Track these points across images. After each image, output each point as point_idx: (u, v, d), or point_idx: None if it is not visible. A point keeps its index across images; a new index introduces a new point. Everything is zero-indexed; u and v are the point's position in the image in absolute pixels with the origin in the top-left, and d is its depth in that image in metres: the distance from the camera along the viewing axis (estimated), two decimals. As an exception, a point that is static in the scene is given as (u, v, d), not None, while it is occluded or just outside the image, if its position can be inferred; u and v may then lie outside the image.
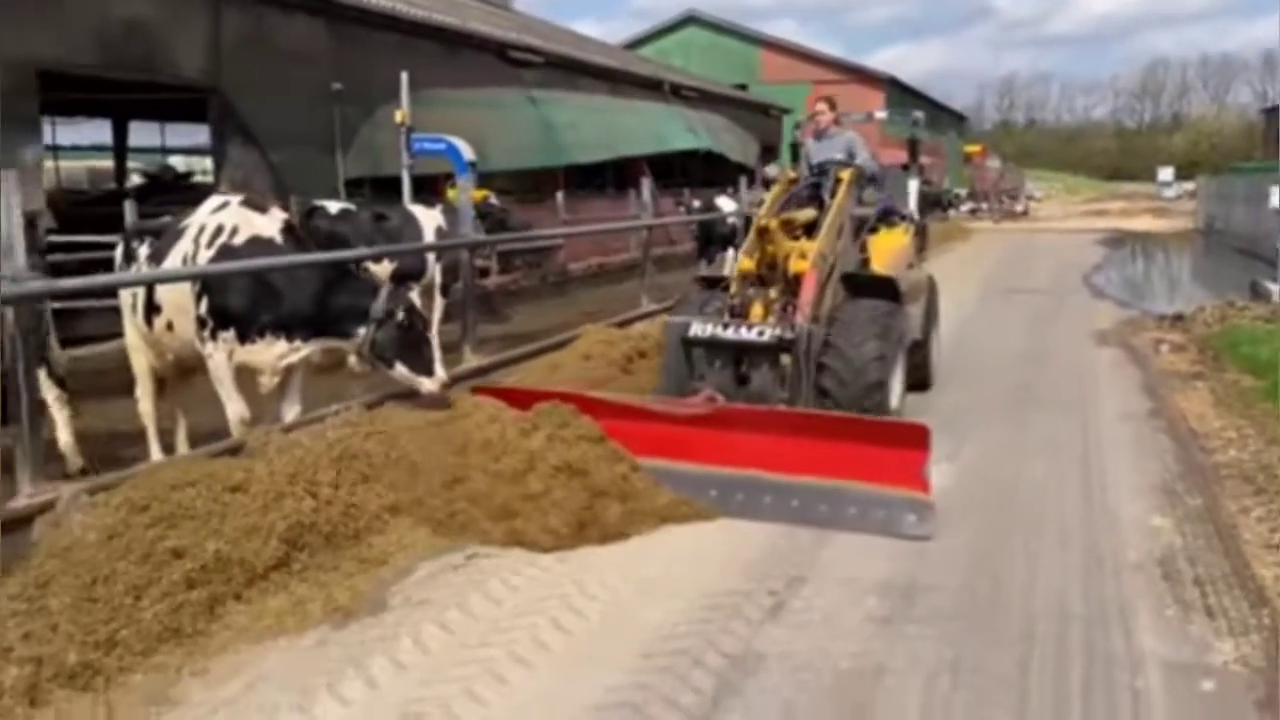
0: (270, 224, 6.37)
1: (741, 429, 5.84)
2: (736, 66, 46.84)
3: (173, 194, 15.28)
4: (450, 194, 13.80)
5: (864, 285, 7.56)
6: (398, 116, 14.19)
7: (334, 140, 14.80)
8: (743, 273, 7.19)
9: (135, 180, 19.09)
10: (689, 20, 50.03)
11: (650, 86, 26.55)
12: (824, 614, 4.54)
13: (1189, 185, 56.11)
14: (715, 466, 5.75)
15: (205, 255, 6.18)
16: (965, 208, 46.95)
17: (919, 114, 10.59)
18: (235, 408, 6.32)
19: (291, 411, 6.40)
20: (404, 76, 14.16)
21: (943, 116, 64.57)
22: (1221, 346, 10.90)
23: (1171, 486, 6.37)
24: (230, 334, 6.19)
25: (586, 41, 28.70)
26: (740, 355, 6.74)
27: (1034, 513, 5.94)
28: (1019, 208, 49.01)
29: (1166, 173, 69.83)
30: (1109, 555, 5.24)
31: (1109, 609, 4.60)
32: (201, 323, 6.20)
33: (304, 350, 6.33)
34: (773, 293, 7.02)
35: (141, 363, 6.88)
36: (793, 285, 6.95)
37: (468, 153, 14.90)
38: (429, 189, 15.10)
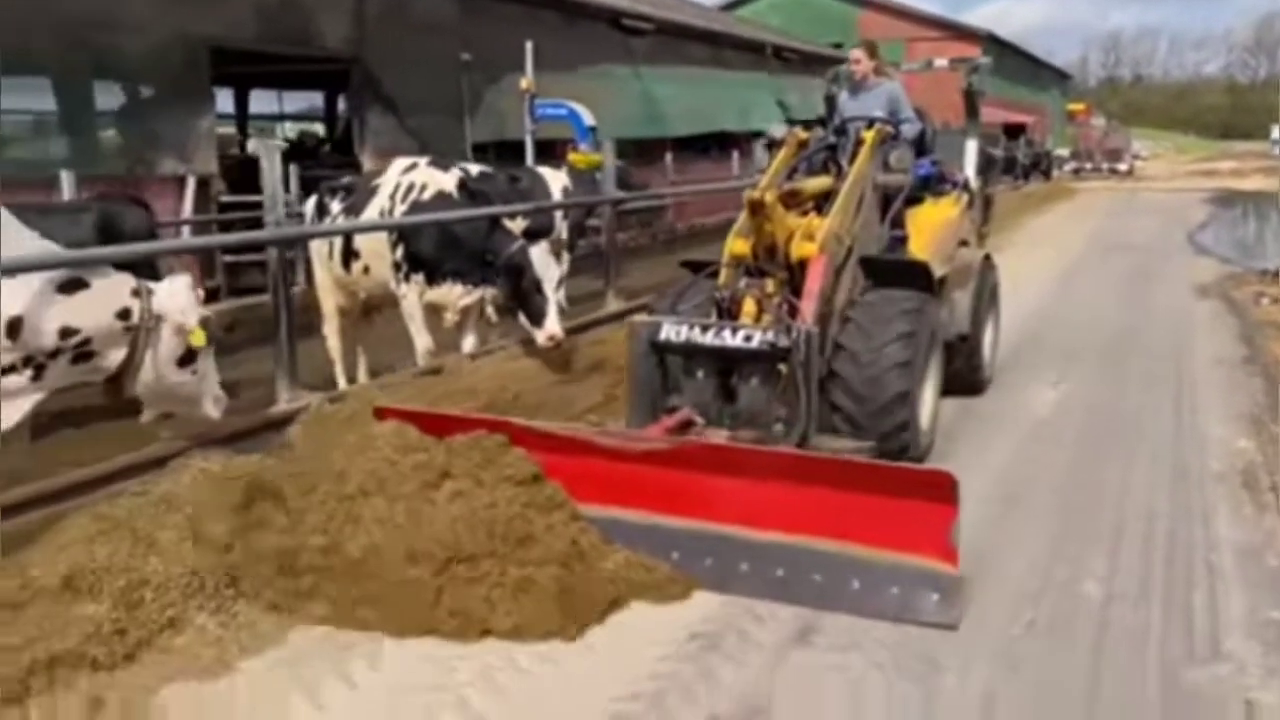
0: (451, 181, 7.41)
1: (711, 471, 4.43)
2: (833, 25, 46.82)
3: (314, 157, 16.52)
4: (572, 157, 14.79)
5: (888, 272, 6.17)
6: (523, 84, 15.20)
7: (462, 107, 15.87)
8: (734, 258, 5.82)
9: (280, 145, 20.58)
10: (786, -19, 50.14)
11: (752, 49, 27.16)
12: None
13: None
14: (678, 518, 4.41)
15: (400, 209, 7.25)
16: (1069, 167, 46.44)
17: (983, 60, 9.14)
18: (423, 341, 7.39)
19: (469, 344, 7.45)
20: (529, 45, 15.18)
21: (1045, 74, 63.58)
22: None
23: (1259, 417, 7.04)
24: (420, 277, 7.25)
25: (688, 6, 29.33)
26: (727, 364, 5.43)
27: (1129, 433, 6.71)
28: (1123, 167, 48.21)
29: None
30: (1195, 468, 6.01)
31: (1193, 509, 5.38)
32: (397, 267, 7.26)
33: (476, 294, 7.36)
34: (770, 284, 5.63)
35: (330, 303, 8.00)
36: (797, 274, 5.67)
37: (588, 118, 15.88)
38: (550, 154, 16.09)
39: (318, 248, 7.94)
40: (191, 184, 11.32)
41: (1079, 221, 23.17)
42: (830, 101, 7.88)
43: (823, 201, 6.19)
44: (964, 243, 7.58)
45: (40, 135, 10.66)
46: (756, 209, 5.61)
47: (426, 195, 7.28)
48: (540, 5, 17.57)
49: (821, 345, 5.41)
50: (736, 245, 5.86)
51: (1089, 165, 47.66)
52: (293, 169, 11.57)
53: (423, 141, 14.59)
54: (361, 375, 7.92)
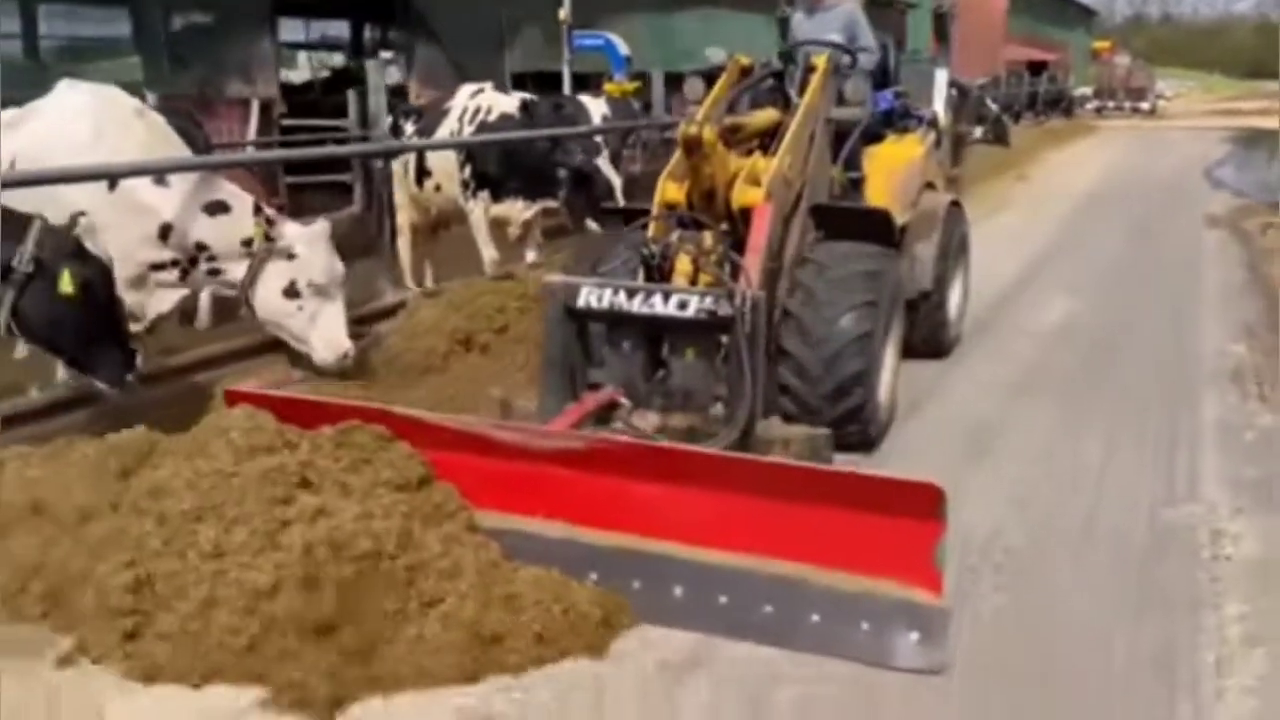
0: (514, 103, 8.13)
1: (639, 475, 3.65)
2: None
3: (356, 85, 17.14)
4: (609, 87, 15.42)
5: (843, 221, 5.45)
6: (561, 14, 15.75)
7: (501, 38, 16.44)
8: (666, 206, 5.03)
9: (324, 74, 21.16)
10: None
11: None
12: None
13: (1335, 83, 54.18)
14: (598, 532, 3.64)
15: (469, 130, 7.97)
16: (1091, 105, 46.52)
17: None
18: (489, 252, 8.16)
19: (530, 255, 8.21)
20: (566, -24, 15.68)
21: (1069, 10, 63.08)
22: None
23: (1253, 328, 7.78)
24: (486, 193, 8.00)
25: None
26: (658, 334, 4.67)
27: (1134, 340, 7.47)
28: (1146, 105, 48.25)
29: (1311, 70, 67.13)
30: (1191, 366, 6.77)
31: (1182, 396, 6.14)
32: (465, 185, 8.01)
33: (536, 207, 8.12)
34: (708, 238, 4.79)
35: (404, 218, 8.75)
36: (739, 225, 4.94)
37: (623, 48, 16.44)
38: (585, 85, 16.68)
39: (397, 168, 8.68)
40: (255, 107, 11.99)
41: (1097, 155, 23.70)
42: (784, 23, 6.94)
43: (768, 139, 5.39)
44: (930, 186, 6.83)
45: (121, 58, 11.34)
46: (692, 147, 4.68)
47: (492, 117, 8.00)
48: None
49: (769, 312, 4.67)
50: (669, 191, 5.03)
51: (1111, 104, 47.70)
52: (351, 95, 12.26)
53: (466, 72, 15.22)
54: (428, 282, 8.72)
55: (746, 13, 24.94)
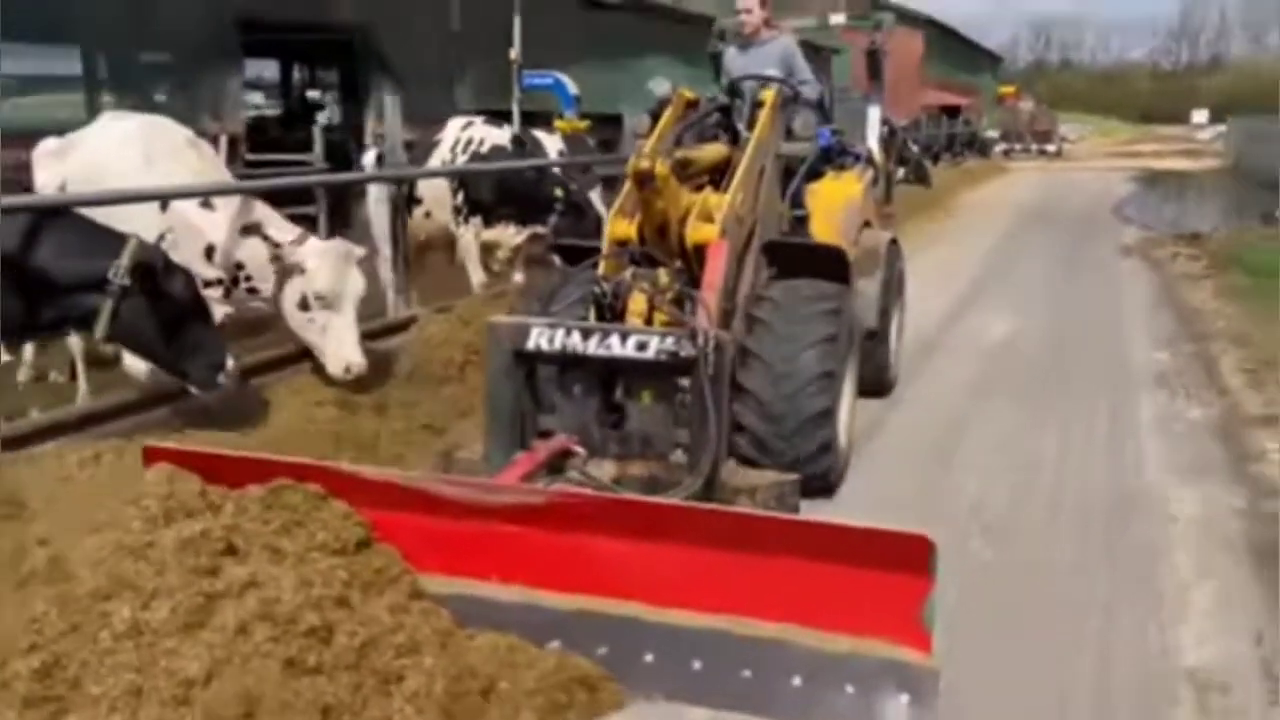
0: (504, 136, 8.74)
1: (602, 531, 3.39)
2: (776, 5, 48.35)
3: (309, 123, 17.57)
4: (560, 124, 16.09)
5: (797, 259, 5.36)
6: (511, 54, 16.42)
7: (451, 76, 17.05)
8: (617, 242, 4.92)
9: (269, 113, 21.55)
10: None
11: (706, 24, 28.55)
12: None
13: (1223, 128, 57.44)
14: (558, 594, 3.39)
15: (461, 159, 8.54)
16: (1000, 148, 48.61)
17: (886, 15, 8.39)
18: (478, 275, 8.71)
19: (519, 277, 8.79)
20: (516, 20, 16.38)
21: (979, 57, 65.94)
22: (1228, 258, 13.13)
23: (1172, 340, 8.70)
24: (478, 219, 8.56)
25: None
26: (611, 377, 4.49)
27: (1069, 353, 8.31)
28: (1052, 148, 50.56)
29: (1201, 115, 70.96)
30: (1123, 373, 7.61)
31: (1120, 398, 6.95)
32: (457, 210, 8.57)
33: (525, 233, 8.70)
34: (663, 275, 4.66)
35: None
36: (692, 262, 4.83)
37: (572, 88, 17.14)
38: (534, 123, 17.35)
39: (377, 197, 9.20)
40: (224, 142, 12.40)
41: (1015, 193, 25.10)
42: (716, 59, 6.87)
43: (717, 174, 5.32)
44: (867, 224, 6.75)
45: (94, 94, 11.68)
46: (644, 181, 4.57)
47: (485, 148, 8.59)
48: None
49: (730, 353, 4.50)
50: (618, 227, 4.92)
51: (1019, 146, 49.87)
52: (316, 130, 12.76)
53: (418, 108, 15.76)
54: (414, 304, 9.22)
55: (685, 57, 25.97)
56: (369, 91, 15.53)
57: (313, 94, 27.81)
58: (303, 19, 14.61)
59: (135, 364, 5.57)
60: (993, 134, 51.33)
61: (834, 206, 6.24)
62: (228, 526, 3.19)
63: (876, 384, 6.41)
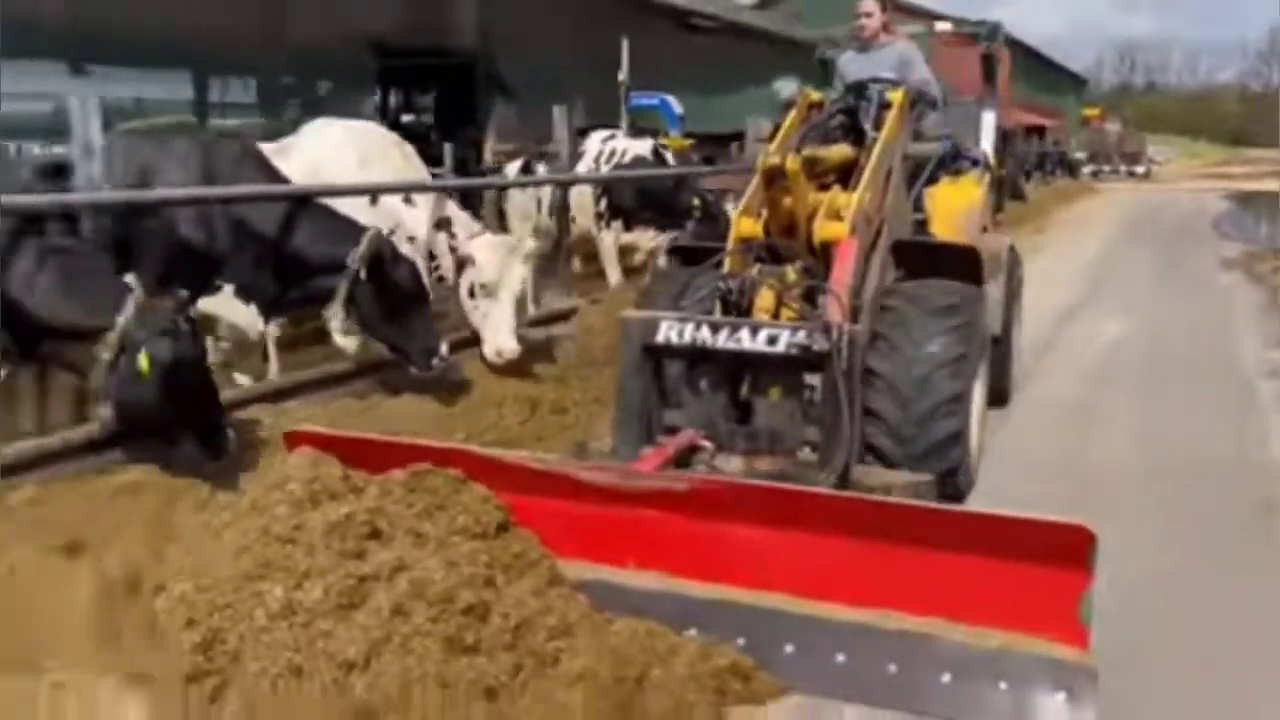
0: (645, 148, 9.48)
1: (746, 520, 3.38)
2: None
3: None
4: (665, 142, 16.89)
5: (929, 258, 5.34)
6: (620, 76, 17.26)
7: (567, 97, 17.93)
8: (743, 239, 4.94)
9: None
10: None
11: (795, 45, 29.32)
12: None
13: (1316, 149, 56.47)
14: (698, 584, 3.38)
15: (605, 169, 9.29)
16: (1088, 169, 48.46)
17: (995, 22, 8.20)
18: (616, 275, 9.44)
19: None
20: (624, 43, 17.21)
21: (1063, 79, 65.58)
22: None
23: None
24: (618, 224, 9.30)
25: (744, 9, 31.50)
26: (739, 372, 4.53)
27: (1185, 349, 8.78)
28: (1141, 169, 50.35)
29: (1294, 137, 69.56)
30: (1239, 366, 8.10)
31: (1237, 386, 7.41)
32: (599, 216, 9.31)
33: (662, 237, 9.40)
34: (791, 271, 4.73)
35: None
36: (819, 260, 4.81)
37: (677, 107, 17.93)
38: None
39: (523, 204, 9.99)
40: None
41: (1110, 210, 25.31)
42: (826, 66, 7.01)
43: (843, 175, 5.28)
44: (984, 229, 6.64)
45: (248, 116, 12.74)
46: (773, 178, 4.69)
47: (627, 159, 9.33)
48: (629, 6, 19.70)
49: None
50: (744, 225, 4.92)
51: (1107, 168, 49.72)
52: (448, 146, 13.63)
53: (535, 126, 16.68)
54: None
55: (775, 74, 26.69)
56: (487, 113, 16.45)
57: (407, 117, 29.19)
58: (429, 45, 15.59)
59: (347, 341, 6.33)
60: (1080, 155, 51.23)
61: (954, 209, 6.20)
62: (371, 509, 3.19)
63: (996, 391, 6.12)
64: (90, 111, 4.84)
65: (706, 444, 4.29)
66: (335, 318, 5.52)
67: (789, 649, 3.17)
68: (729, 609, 3.25)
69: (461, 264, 6.40)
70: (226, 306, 5.48)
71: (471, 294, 6.30)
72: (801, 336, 4.18)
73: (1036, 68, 57.69)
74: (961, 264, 5.22)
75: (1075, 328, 9.59)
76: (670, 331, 4.36)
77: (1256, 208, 30.14)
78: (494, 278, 6.21)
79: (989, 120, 7.47)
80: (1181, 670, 3.40)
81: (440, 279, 6.63)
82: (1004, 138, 9.91)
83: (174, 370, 3.99)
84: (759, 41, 26.59)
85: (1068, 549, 2.89)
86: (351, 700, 2.74)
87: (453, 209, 6.70)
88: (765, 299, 4.56)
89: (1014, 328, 6.65)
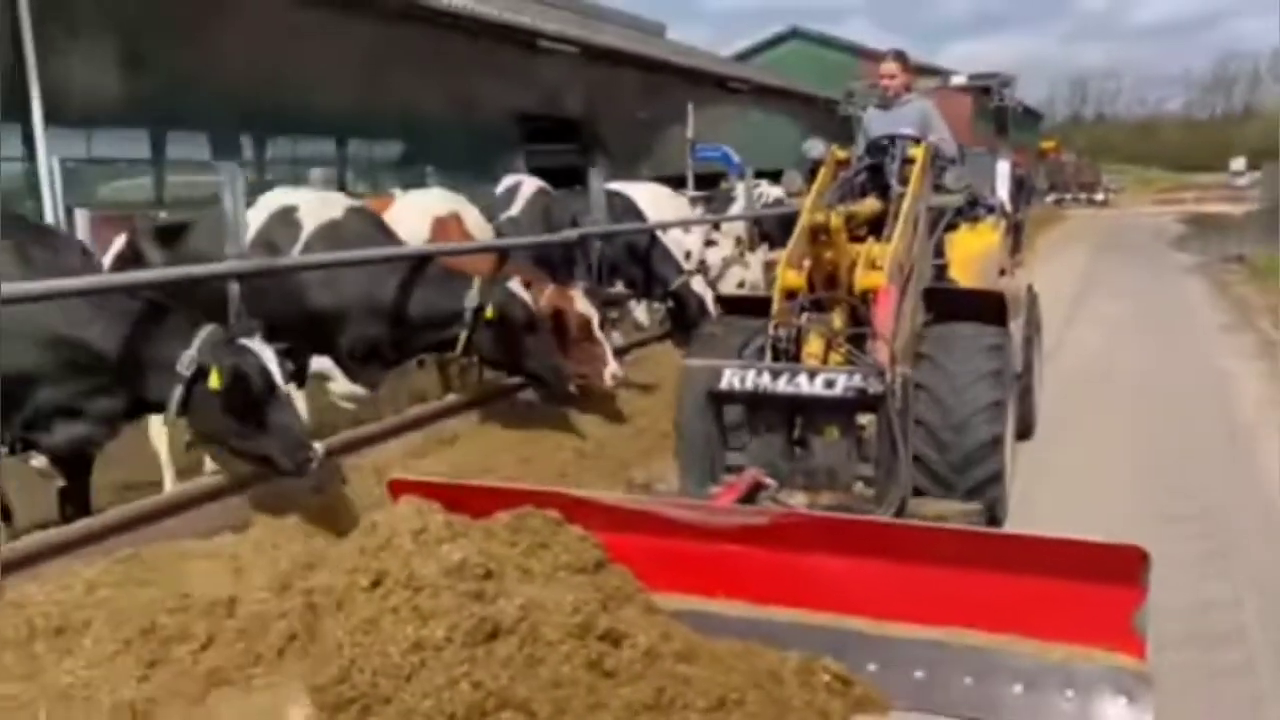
0: (777, 191, 13.72)
1: (824, 549, 3.72)
2: (835, 75, 53.68)
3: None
4: (723, 186, 21.20)
5: (957, 304, 5.79)
6: (688, 133, 21.60)
7: (644, 151, 22.25)
8: (788, 290, 5.30)
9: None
10: (792, 34, 57.15)
11: (804, 100, 34.00)
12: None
13: (1260, 174, 61.55)
14: (782, 609, 3.73)
15: (757, 206, 13.50)
16: (1050, 199, 53.22)
17: (1010, 75, 8.67)
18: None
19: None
20: (690, 107, 21.56)
21: (1021, 115, 70.62)
22: (1265, 269, 17.93)
23: (1231, 315, 13.53)
24: (764, 246, 13.47)
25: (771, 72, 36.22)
26: (793, 414, 4.92)
27: (1167, 317, 13.20)
28: (1100, 197, 55.25)
29: (1238, 162, 74.69)
30: (1205, 325, 12.49)
31: (1206, 336, 11.71)
32: (748, 241, 13.48)
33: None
34: (836, 319, 5.18)
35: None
36: (858, 307, 5.23)
37: (735, 157, 22.28)
38: (706, 184, 22.45)
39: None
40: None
41: (1083, 233, 30.07)
42: (848, 121, 7.64)
43: (875, 226, 5.76)
44: (1002, 272, 7.10)
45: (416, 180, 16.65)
46: (818, 234, 5.07)
47: (770, 199, 13.55)
48: (686, 77, 24.12)
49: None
50: (789, 277, 5.29)
51: (1068, 196, 54.58)
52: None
53: (638, 176, 20.94)
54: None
55: (797, 125, 31.33)
56: (592, 163, 20.69)
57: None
58: (548, 112, 19.82)
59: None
60: (1040, 186, 56.06)
61: (973, 255, 6.70)
62: (483, 551, 3.39)
63: (1022, 426, 6.62)
64: (238, 188, 5.25)
65: (770, 481, 4.70)
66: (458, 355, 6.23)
67: (871, 667, 3.44)
68: (813, 632, 3.55)
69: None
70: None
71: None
72: (858, 380, 4.61)
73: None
74: (987, 307, 5.72)
75: (1086, 308, 13.93)
76: (733, 379, 4.80)
77: (1207, 228, 35.04)
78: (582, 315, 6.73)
79: (1003, 169, 8.04)
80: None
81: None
82: (1019, 184, 10.50)
83: (243, 382, 4.35)
84: (780, 97, 31.29)
85: (1123, 567, 3.21)
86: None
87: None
88: (814, 345, 5.04)
89: (1035, 363, 7.17)
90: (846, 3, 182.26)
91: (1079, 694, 3.29)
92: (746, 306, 5.90)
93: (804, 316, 5.15)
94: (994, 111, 8.35)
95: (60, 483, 4.83)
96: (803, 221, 5.17)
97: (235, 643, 3.62)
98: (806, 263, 5.28)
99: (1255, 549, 5.24)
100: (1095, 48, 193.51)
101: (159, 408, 4.68)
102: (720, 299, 6.94)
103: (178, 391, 4.45)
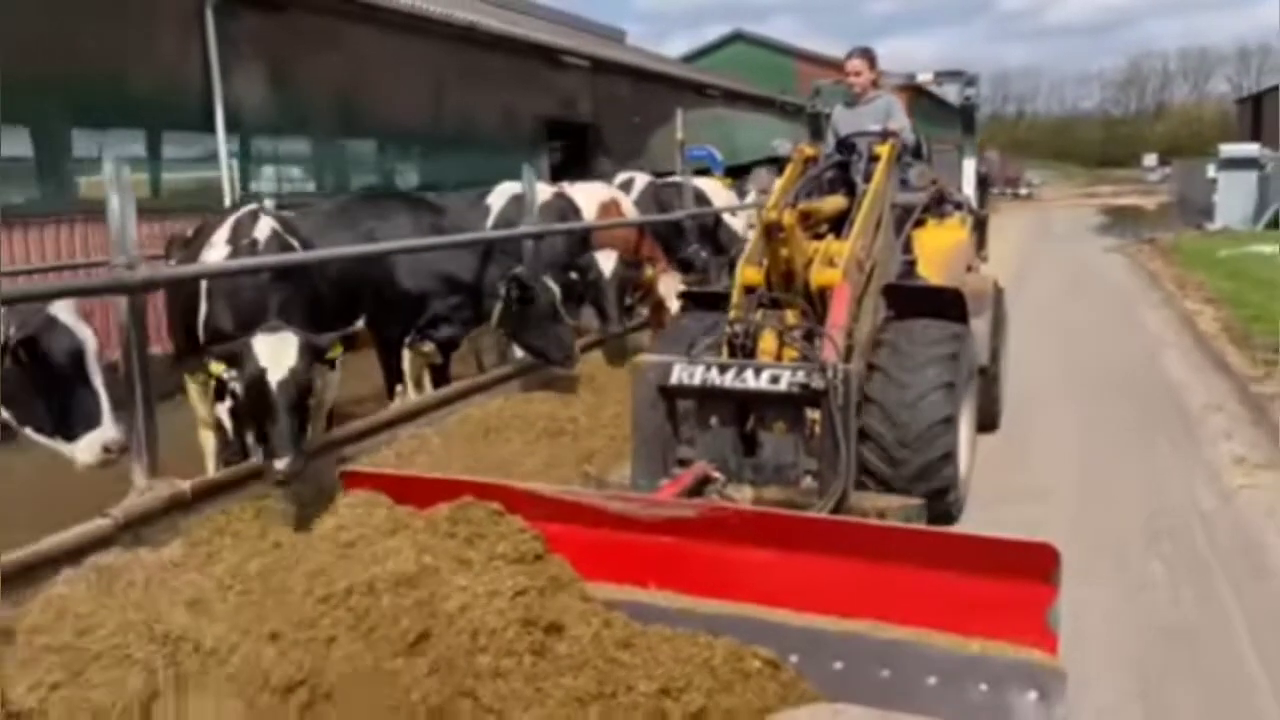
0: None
1: (753, 543, 3.85)
2: (774, 76, 57.09)
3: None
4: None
5: (917, 300, 5.82)
6: (678, 135, 24.87)
7: (640, 152, 25.53)
8: (746, 287, 5.38)
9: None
10: (736, 38, 60.62)
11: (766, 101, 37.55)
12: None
13: (1170, 169, 66.10)
14: (712, 601, 3.81)
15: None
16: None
17: (973, 74, 8.63)
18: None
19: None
20: (679, 111, 24.85)
21: (950, 113, 74.08)
22: (1171, 248, 21.86)
23: (1143, 282, 17.22)
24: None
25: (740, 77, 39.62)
26: (745, 409, 4.99)
27: (1097, 289, 16.80)
28: (1024, 191, 59.46)
29: (1151, 158, 79.36)
30: (1128, 293, 16.13)
31: (1133, 306, 15.26)
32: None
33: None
34: (790, 315, 5.25)
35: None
36: (817, 304, 5.26)
37: (719, 156, 25.66)
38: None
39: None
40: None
41: (1016, 223, 33.95)
42: (816, 119, 7.85)
43: (838, 223, 5.83)
44: (969, 268, 7.25)
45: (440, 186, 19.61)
46: (773, 231, 5.17)
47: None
48: (669, 84, 27.44)
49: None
50: (748, 273, 5.41)
51: (995, 190, 58.66)
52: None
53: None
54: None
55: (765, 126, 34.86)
56: (597, 163, 23.90)
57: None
58: (564, 117, 22.99)
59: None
60: (966, 181, 60.07)
61: (940, 251, 6.81)
62: (420, 544, 3.71)
63: (987, 418, 6.79)
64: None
65: (717, 475, 4.86)
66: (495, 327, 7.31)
67: (794, 659, 3.55)
68: (741, 623, 3.67)
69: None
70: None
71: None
72: (801, 376, 4.75)
73: (929, 105, 66.25)
74: (947, 304, 5.79)
75: (1031, 279, 17.45)
76: (682, 374, 4.97)
77: (1124, 218, 39.29)
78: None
79: (969, 167, 8.45)
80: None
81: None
82: (982, 182, 10.47)
83: (535, 301, 5.55)
84: (749, 102, 34.82)
85: (1037, 565, 3.39)
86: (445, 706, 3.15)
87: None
88: (768, 341, 5.18)
89: (1001, 358, 7.21)
90: (773, 2, 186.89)
91: (992, 687, 3.39)
92: (709, 301, 6.11)
93: (759, 313, 5.36)
94: (960, 110, 8.85)
95: (438, 361, 7.38)
96: (760, 218, 5.48)
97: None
98: (765, 260, 5.45)
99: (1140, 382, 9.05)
100: (1017, 47, 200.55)
101: (487, 317, 7.01)
102: (683, 293, 7.12)
103: (498, 307, 6.81)
